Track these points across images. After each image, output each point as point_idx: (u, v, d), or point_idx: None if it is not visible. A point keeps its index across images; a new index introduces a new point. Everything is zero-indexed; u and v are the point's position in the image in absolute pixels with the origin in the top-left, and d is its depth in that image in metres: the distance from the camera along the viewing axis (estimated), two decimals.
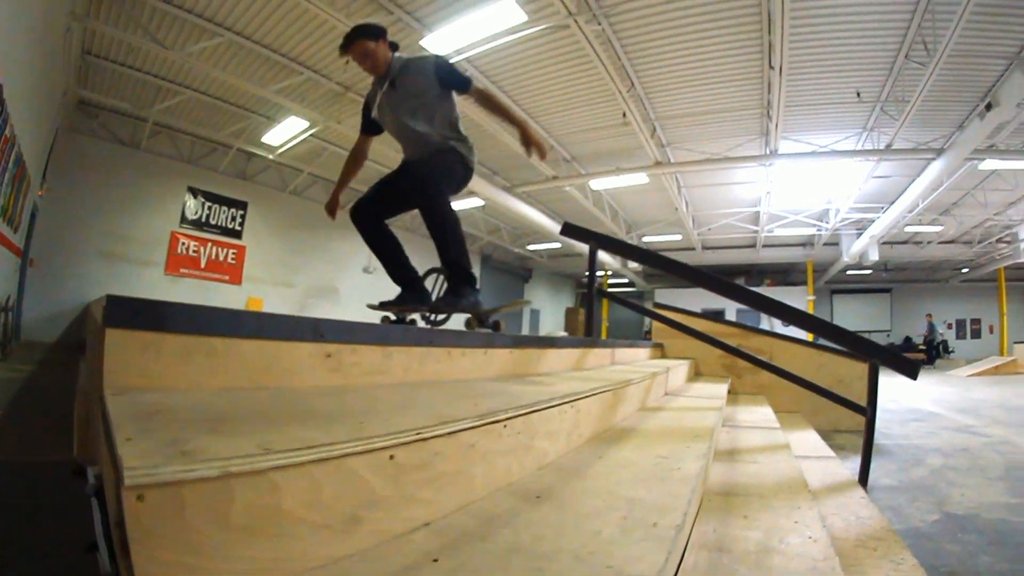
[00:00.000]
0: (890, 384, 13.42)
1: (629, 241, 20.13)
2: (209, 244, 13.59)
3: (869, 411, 3.66)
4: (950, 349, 26.52)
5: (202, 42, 8.86)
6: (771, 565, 1.35)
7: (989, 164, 12.94)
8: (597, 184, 15.38)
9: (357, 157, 3.55)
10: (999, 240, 21.42)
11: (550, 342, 3.20)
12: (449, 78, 3.17)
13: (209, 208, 13.65)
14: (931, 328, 25.08)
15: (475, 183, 12.86)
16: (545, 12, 8.25)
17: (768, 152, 12.70)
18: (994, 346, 25.63)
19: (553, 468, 1.73)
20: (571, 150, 13.92)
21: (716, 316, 6.68)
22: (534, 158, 3.19)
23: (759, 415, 4.04)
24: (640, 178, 14.27)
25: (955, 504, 3.38)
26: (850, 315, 29.19)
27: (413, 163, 3.26)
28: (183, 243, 13.11)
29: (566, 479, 1.62)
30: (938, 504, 3.36)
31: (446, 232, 3.05)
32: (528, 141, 3.17)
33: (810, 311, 23.66)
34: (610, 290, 28.05)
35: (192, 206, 13.35)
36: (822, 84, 10.80)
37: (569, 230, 5.02)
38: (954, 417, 7.35)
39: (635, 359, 4.75)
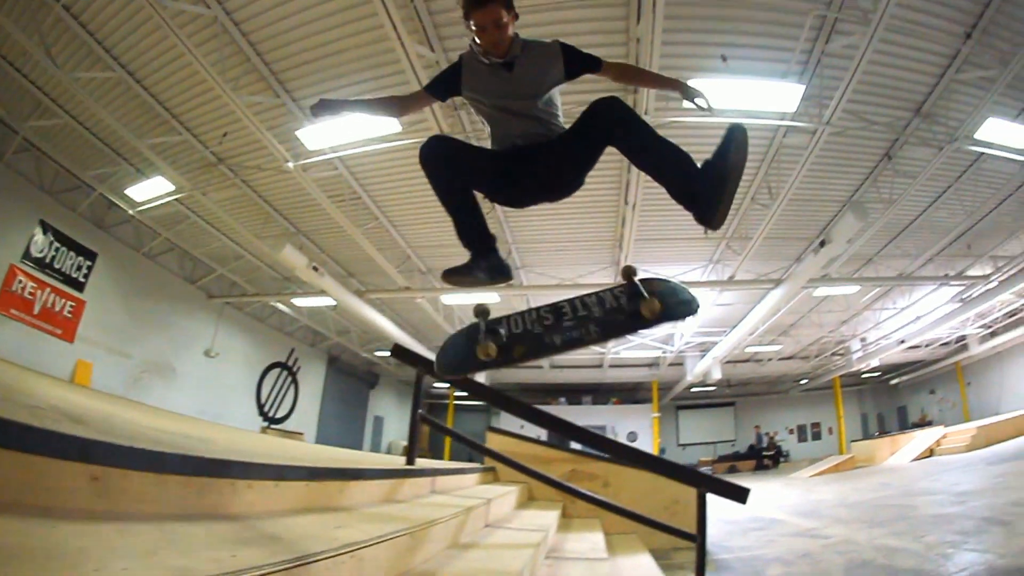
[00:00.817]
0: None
1: None
2: (48, 290, 11.91)
3: (699, 538, 3.68)
4: (784, 453, 29.67)
5: (93, 71, 8.19)
6: None
7: (823, 291, 15.15)
8: (448, 299, 15.49)
9: (403, 108, 3.09)
10: (833, 354, 25.17)
11: (355, 473, 2.89)
12: (581, 60, 2.83)
13: (56, 250, 12.08)
14: (759, 438, 27.82)
15: (328, 283, 12.78)
16: (420, 126, 8.56)
17: (616, 280, 13.60)
18: (834, 445, 28.84)
19: None
20: (427, 263, 14.10)
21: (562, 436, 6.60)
22: (701, 103, 2.71)
23: (588, 543, 3.91)
24: (492, 297, 14.55)
25: None
26: (696, 428, 31.35)
27: (554, 141, 2.80)
28: (20, 281, 11.37)
29: None
30: None
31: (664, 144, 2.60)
32: (692, 94, 2.75)
33: (655, 427, 25.16)
34: (459, 401, 28.15)
35: (39, 242, 11.70)
36: (672, 220, 12.03)
37: (399, 353, 4.89)
38: (796, 521, 7.65)
39: (460, 487, 4.46)
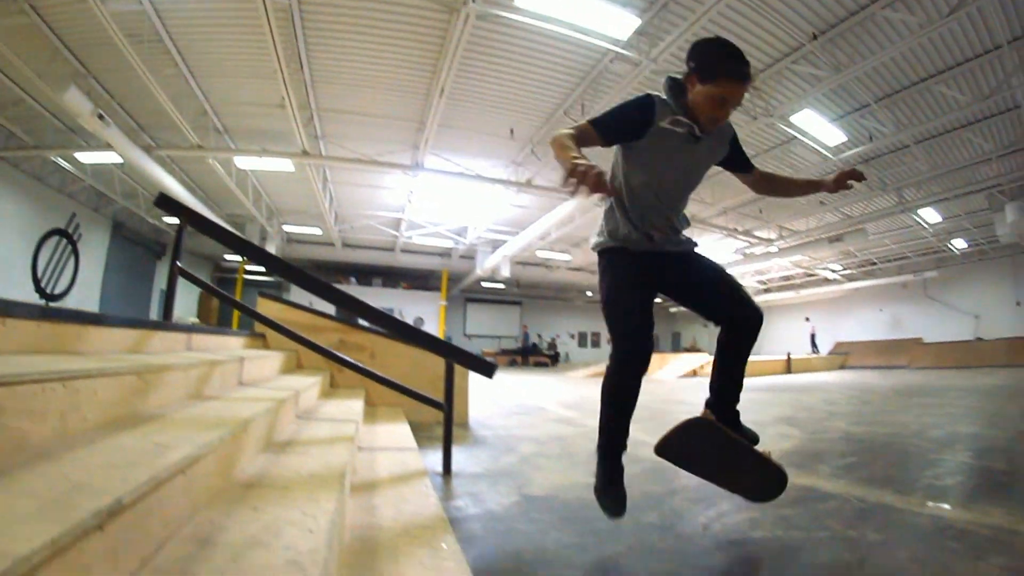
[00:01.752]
0: (508, 382, 15.24)
1: (269, 229, 19.81)
2: None
3: (446, 406, 4.06)
4: (562, 354, 34.02)
5: None
6: (250, 558, 1.37)
7: None
8: (243, 162, 14.54)
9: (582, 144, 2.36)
10: None
11: (95, 318, 2.78)
12: (742, 157, 2.77)
13: None
14: (526, 337, 30.60)
15: (114, 135, 11.44)
16: None
17: (416, 163, 13.62)
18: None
19: None
20: (225, 121, 13.15)
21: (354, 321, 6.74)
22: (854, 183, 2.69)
23: (343, 408, 4.13)
24: (286, 164, 13.90)
25: (536, 487, 3.90)
26: (483, 321, 33.47)
27: (687, 252, 2.77)
28: None
29: None
30: (519, 488, 3.83)
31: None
32: (841, 185, 2.75)
33: (441, 314, 26.47)
34: (248, 278, 27.10)
35: None
36: (481, 115, 12.44)
37: (163, 202, 4.63)
38: (559, 411, 8.66)
39: (222, 347, 4.46)
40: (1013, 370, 17.86)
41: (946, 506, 3.40)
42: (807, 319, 31.70)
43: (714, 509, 3.48)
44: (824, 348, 30.73)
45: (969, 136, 12.95)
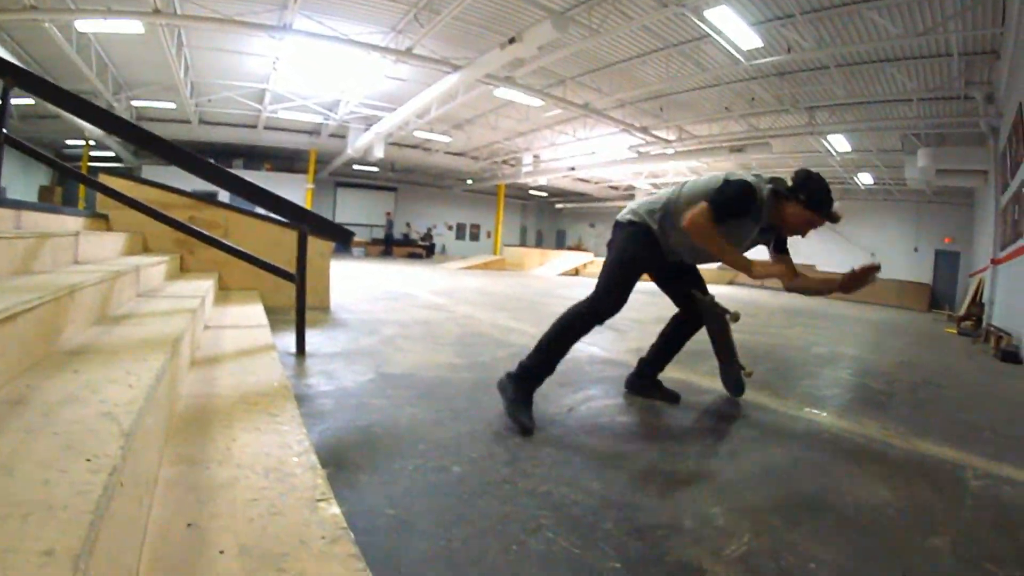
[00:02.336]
0: (378, 272, 15.24)
1: (116, 104, 18.17)
2: None
3: (298, 278, 3.96)
4: (437, 245, 33.64)
5: None
6: (63, 414, 1.35)
7: (503, 92, 15.98)
8: (85, 25, 12.94)
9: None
10: (504, 161, 28.01)
11: None
12: (783, 243, 3.77)
13: None
14: (389, 224, 30.00)
15: None
16: None
17: (283, 25, 12.65)
18: (490, 248, 34.45)
19: None
20: None
21: (207, 197, 6.37)
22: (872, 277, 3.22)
23: (191, 288, 4.02)
24: (135, 26, 12.54)
25: (395, 366, 4.00)
26: (354, 208, 32.59)
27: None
28: None
29: None
30: (377, 367, 3.90)
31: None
32: (857, 281, 3.23)
33: (308, 198, 25.65)
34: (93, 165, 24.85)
35: None
36: None
37: None
38: (429, 298, 8.82)
39: (49, 227, 4.15)
40: (901, 311, 18.97)
41: (823, 414, 3.75)
42: None
43: (582, 393, 3.69)
44: (714, 263, 31.71)
45: (893, 72, 13.14)
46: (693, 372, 4.60)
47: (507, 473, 2.29)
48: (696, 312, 3.66)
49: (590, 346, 5.49)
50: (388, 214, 30.98)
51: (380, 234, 30.98)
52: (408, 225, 32.79)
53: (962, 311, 15.10)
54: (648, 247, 3.41)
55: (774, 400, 3.98)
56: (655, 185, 30.79)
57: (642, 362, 3.81)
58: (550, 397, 3.51)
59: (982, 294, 13.53)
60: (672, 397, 3.66)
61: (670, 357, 3.77)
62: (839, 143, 18.57)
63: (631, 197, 32.06)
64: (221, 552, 1.20)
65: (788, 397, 4.11)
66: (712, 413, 3.53)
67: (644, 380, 3.77)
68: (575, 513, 1.99)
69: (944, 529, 2.20)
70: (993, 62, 11.76)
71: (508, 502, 2.02)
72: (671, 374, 4.20)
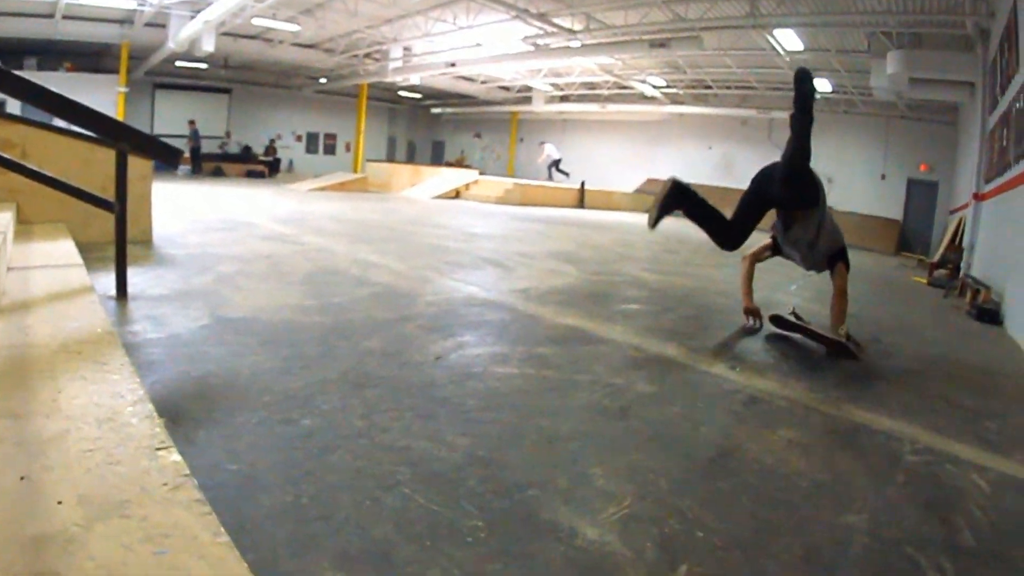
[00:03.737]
0: (212, 194, 14.99)
1: None
2: None
3: (118, 206, 4.00)
4: (281, 160, 32.43)
5: None
6: None
7: None
8: None
9: None
10: (367, 55, 26.98)
11: None
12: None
13: None
14: (194, 135, 28.25)
15: None
16: None
17: None
18: (349, 164, 33.05)
19: None
20: None
21: None
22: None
23: None
24: None
25: (234, 308, 4.16)
26: (179, 116, 30.77)
27: None
28: None
29: None
30: (212, 310, 4.06)
31: None
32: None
33: (120, 105, 24.36)
34: None
35: None
36: None
37: None
38: (274, 227, 8.89)
39: None
40: (862, 253, 18.01)
41: (736, 371, 3.99)
42: (542, 143, 31.21)
43: (454, 339, 3.96)
44: (632, 183, 31.36)
45: None
46: (589, 318, 4.90)
47: (362, 427, 2.52)
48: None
49: (468, 285, 5.80)
50: (191, 123, 29.04)
51: (213, 148, 29.68)
52: (228, 135, 31.19)
53: (937, 256, 15.00)
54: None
55: (683, 353, 4.24)
56: (557, 86, 30.49)
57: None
58: (416, 343, 3.76)
59: (962, 237, 13.31)
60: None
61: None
62: (789, 40, 17.78)
63: (527, 100, 32.09)
64: (59, 503, 1.38)
65: (700, 351, 4.37)
66: (607, 365, 3.77)
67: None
68: (436, 469, 2.22)
69: (864, 506, 2.37)
70: None
71: (362, 457, 2.25)
72: (565, 319, 4.56)
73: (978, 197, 12.01)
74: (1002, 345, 6.53)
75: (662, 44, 18.85)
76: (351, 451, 2.29)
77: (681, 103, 28.95)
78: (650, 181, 30.56)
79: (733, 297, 6.68)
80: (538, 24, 19.50)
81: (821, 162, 22.10)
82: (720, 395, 3.49)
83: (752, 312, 5.40)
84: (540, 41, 21.44)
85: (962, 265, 12.02)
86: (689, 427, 2.95)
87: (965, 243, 12.31)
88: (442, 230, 10.63)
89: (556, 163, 29.59)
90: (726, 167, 28.80)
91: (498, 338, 4.05)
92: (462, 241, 9.40)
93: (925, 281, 12.33)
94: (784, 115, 25.09)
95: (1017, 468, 2.97)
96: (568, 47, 21.18)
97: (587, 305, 5.30)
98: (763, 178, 5.23)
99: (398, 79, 27.89)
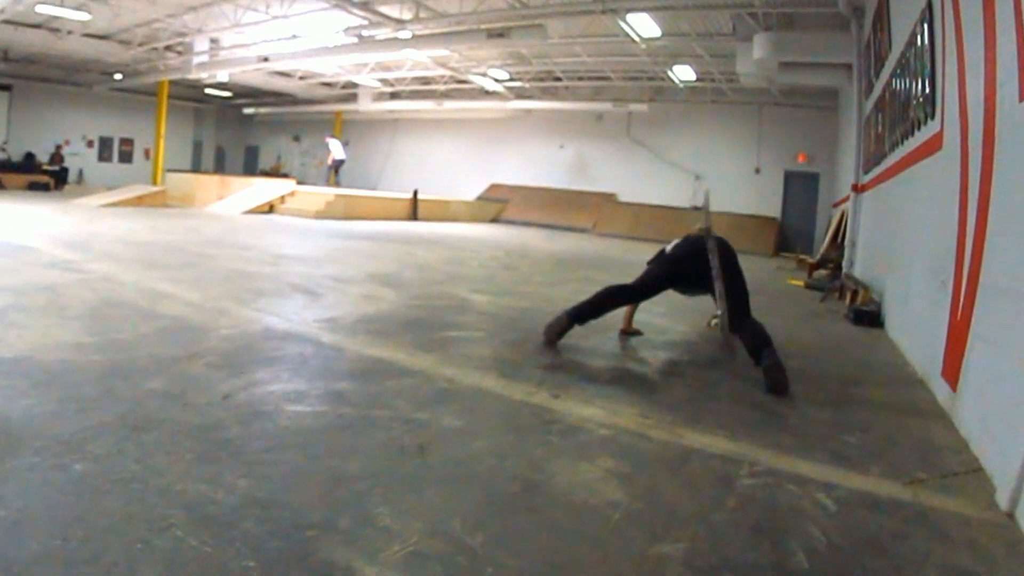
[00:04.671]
0: None
1: None
2: None
3: None
4: (68, 171, 31.04)
5: None
6: None
7: None
8: None
9: None
10: (168, 48, 26.16)
11: None
12: None
13: None
14: None
15: None
16: None
17: None
18: (148, 173, 31.58)
19: None
20: None
21: None
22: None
23: None
24: None
25: (5, 348, 4.24)
26: None
27: None
28: None
29: None
30: None
31: None
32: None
33: None
34: None
35: None
36: None
37: None
38: (54, 252, 8.78)
39: None
40: (739, 256, 18.62)
41: (561, 399, 4.25)
42: (330, 137, 31.05)
43: (245, 377, 4.16)
44: (473, 190, 31.50)
45: None
46: (400, 348, 5.16)
47: (137, 471, 2.71)
48: None
49: (268, 315, 6.02)
50: None
51: None
52: (3, 146, 29.59)
53: (817, 255, 15.64)
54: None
55: (500, 383, 4.50)
56: (386, 81, 30.28)
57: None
58: (203, 382, 3.96)
59: (844, 232, 13.80)
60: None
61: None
62: (644, 25, 17.89)
63: (353, 98, 31.98)
64: None
65: (520, 379, 4.63)
66: (412, 399, 3.98)
67: None
68: (212, 512, 2.42)
69: (683, 535, 2.56)
70: None
71: (135, 501, 2.44)
72: (373, 351, 4.85)
73: (857, 188, 12.73)
74: (879, 349, 7.13)
75: (501, 34, 18.96)
76: (123, 495, 2.47)
77: (528, 98, 29.24)
78: (494, 187, 31.10)
79: None
80: (361, 13, 19.43)
81: (687, 159, 24.75)
82: (536, 426, 3.74)
83: (628, 333, 6.30)
84: (365, 32, 21.35)
85: (844, 264, 12.71)
86: (494, 461, 3.17)
87: (847, 239, 12.94)
88: (248, 252, 10.72)
89: (339, 164, 29.43)
90: (580, 167, 29.69)
91: (294, 374, 4.28)
92: (269, 264, 9.55)
93: (802, 284, 12.85)
94: (643, 107, 26.53)
95: (872, 483, 3.31)
96: (396, 38, 21.15)
97: (400, 334, 5.57)
98: (678, 262, 5.98)
99: (204, 75, 27.48)
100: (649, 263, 6.23)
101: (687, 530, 2.61)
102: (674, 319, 6.90)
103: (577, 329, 5.90)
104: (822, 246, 16.47)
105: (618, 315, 6.47)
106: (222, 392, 3.83)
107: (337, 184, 28.78)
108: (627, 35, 18.74)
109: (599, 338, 6.32)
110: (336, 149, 29.73)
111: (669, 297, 6.41)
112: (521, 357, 5.39)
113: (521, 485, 2.95)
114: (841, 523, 2.82)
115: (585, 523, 2.62)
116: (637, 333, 6.44)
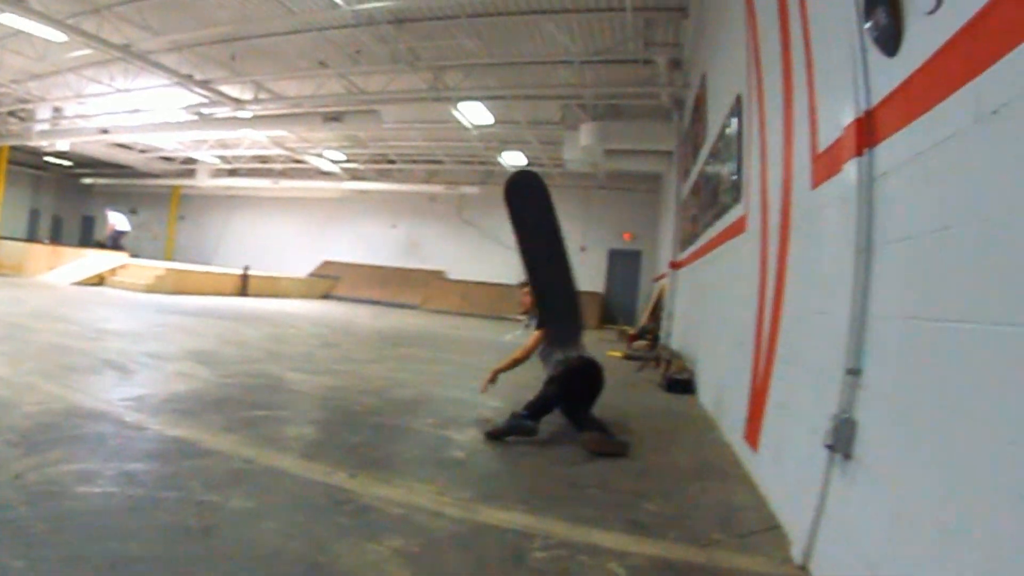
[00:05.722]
0: None
1: None
2: None
3: None
4: None
5: None
6: None
7: (9, 19, 14.41)
8: None
9: None
10: (11, 113, 25.79)
11: None
12: None
13: None
14: None
15: None
16: None
17: None
18: None
19: None
20: None
21: None
22: None
23: None
24: None
25: None
26: None
27: None
28: None
29: None
30: None
31: None
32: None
33: None
34: None
35: None
36: None
37: None
38: None
39: None
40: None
41: (359, 478, 4.15)
42: (111, 210, 30.59)
43: (39, 456, 3.88)
44: (306, 266, 31.69)
45: (550, 27, 13.56)
46: (204, 428, 4.94)
47: None
48: None
49: (76, 392, 5.68)
50: None
51: None
52: None
53: (638, 327, 16.29)
54: None
55: (298, 463, 4.35)
56: (225, 158, 30.20)
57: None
58: None
59: (661, 306, 14.64)
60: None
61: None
62: (477, 113, 18.53)
63: (191, 174, 31.64)
64: None
65: (318, 459, 4.50)
66: (205, 480, 3.80)
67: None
68: None
69: None
70: (679, 20, 12.65)
71: None
72: (175, 431, 4.64)
73: (674, 265, 13.41)
74: (689, 416, 7.27)
75: (336, 118, 19.58)
76: None
77: (362, 179, 29.86)
78: (327, 264, 31.46)
79: (380, 396, 7.04)
80: (203, 92, 19.35)
81: (510, 238, 24.35)
82: (328, 507, 3.60)
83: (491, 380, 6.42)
84: (205, 110, 21.36)
85: (661, 335, 13.43)
86: (280, 543, 3.04)
87: (664, 312, 13.66)
88: (70, 325, 10.15)
89: (119, 235, 28.63)
90: (411, 246, 30.53)
91: (91, 453, 4.02)
92: (88, 339, 9.05)
93: (621, 355, 13.06)
94: (474, 189, 27.51)
95: (668, 548, 3.33)
96: (236, 117, 21.25)
97: (207, 414, 5.32)
98: (571, 379, 6.12)
99: (44, 143, 26.51)
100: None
101: None
102: (488, 395, 6.89)
103: (386, 406, 6.17)
104: (641, 318, 17.50)
105: (433, 396, 6.55)
106: (14, 471, 3.58)
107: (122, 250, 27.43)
108: (459, 122, 19.26)
109: (408, 417, 6.24)
110: (118, 221, 29.03)
111: (486, 373, 6.41)
112: (325, 437, 5.30)
113: (304, 568, 2.84)
114: None
115: None
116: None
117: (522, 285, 6.98)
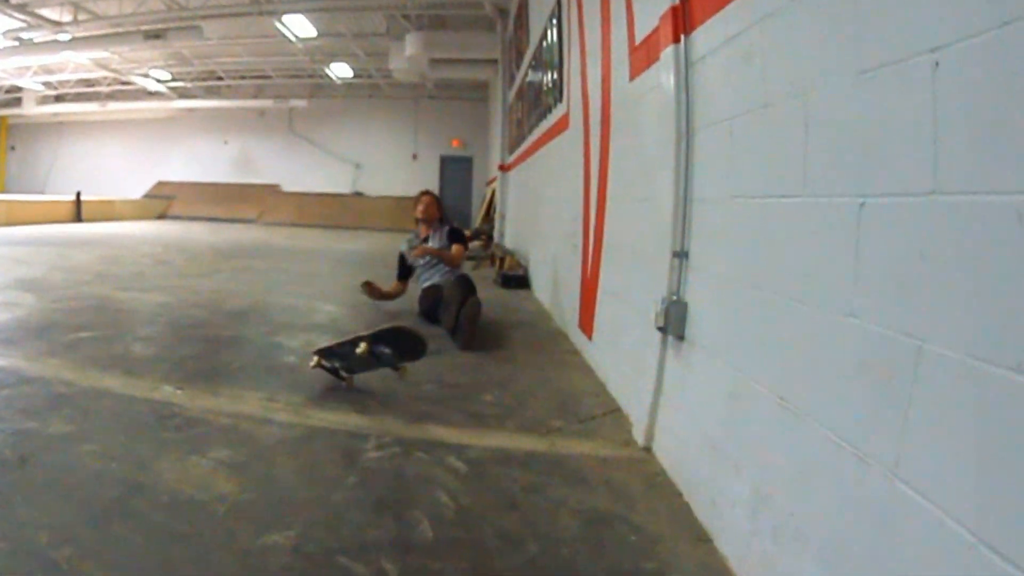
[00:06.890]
0: None
1: None
2: None
3: None
4: None
5: None
6: None
7: None
8: None
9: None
10: None
11: None
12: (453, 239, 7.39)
13: None
14: None
15: None
16: None
17: None
18: None
19: None
20: None
21: None
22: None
23: None
24: None
25: None
26: None
27: None
28: None
29: None
30: None
31: None
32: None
33: None
34: None
35: None
36: None
37: None
38: None
39: None
40: (399, 236, 18.49)
41: (185, 391, 3.87)
42: None
43: None
44: (140, 188, 30.30)
45: None
46: (24, 356, 4.55)
47: None
48: None
49: None
50: None
51: None
52: None
53: (472, 229, 16.31)
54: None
55: (122, 382, 4.04)
56: (50, 85, 28.05)
57: None
58: None
59: (493, 207, 15.07)
60: None
61: None
62: (301, 26, 18.34)
63: (18, 103, 29.33)
64: None
65: (146, 375, 4.19)
66: (23, 407, 3.46)
67: None
68: None
69: (296, 520, 2.37)
70: None
71: None
72: None
73: (503, 168, 13.88)
74: (524, 309, 7.36)
75: (158, 35, 18.50)
76: None
77: (191, 97, 28.64)
78: (161, 184, 30.16)
79: (211, 309, 6.79)
80: (20, 16, 17.94)
81: (348, 150, 26.12)
82: (152, 423, 3.35)
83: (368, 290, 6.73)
84: (24, 35, 19.77)
85: (494, 235, 13.72)
86: (99, 466, 2.77)
87: (496, 213, 14.10)
88: None
89: None
90: (245, 162, 29.72)
91: None
92: None
93: None
94: (303, 103, 27.32)
95: (508, 438, 3.28)
96: (56, 41, 19.84)
97: (28, 340, 4.90)
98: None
99: None
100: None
101: (300, 516, 2.43)
102: (324, 299, 6.72)
103: (216, 318, 6.16)
104: (476, 220, 17.83)
105: (267, 304, 6.45)
106: None
107: None
108: (284, 36, 19.07)
109: (239, 327, 6.05)
110: None
111: (321, 279, 6.28)
112: (152, 353, 4.93)
113: (124, 488, 2.60)
114: (472, 485, 2.76)
115: (187, 522, 2.36)
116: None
117: (422, 194, 7.54)
